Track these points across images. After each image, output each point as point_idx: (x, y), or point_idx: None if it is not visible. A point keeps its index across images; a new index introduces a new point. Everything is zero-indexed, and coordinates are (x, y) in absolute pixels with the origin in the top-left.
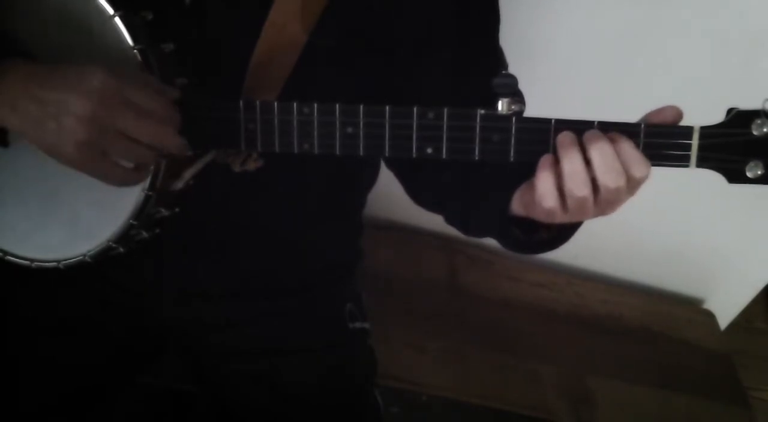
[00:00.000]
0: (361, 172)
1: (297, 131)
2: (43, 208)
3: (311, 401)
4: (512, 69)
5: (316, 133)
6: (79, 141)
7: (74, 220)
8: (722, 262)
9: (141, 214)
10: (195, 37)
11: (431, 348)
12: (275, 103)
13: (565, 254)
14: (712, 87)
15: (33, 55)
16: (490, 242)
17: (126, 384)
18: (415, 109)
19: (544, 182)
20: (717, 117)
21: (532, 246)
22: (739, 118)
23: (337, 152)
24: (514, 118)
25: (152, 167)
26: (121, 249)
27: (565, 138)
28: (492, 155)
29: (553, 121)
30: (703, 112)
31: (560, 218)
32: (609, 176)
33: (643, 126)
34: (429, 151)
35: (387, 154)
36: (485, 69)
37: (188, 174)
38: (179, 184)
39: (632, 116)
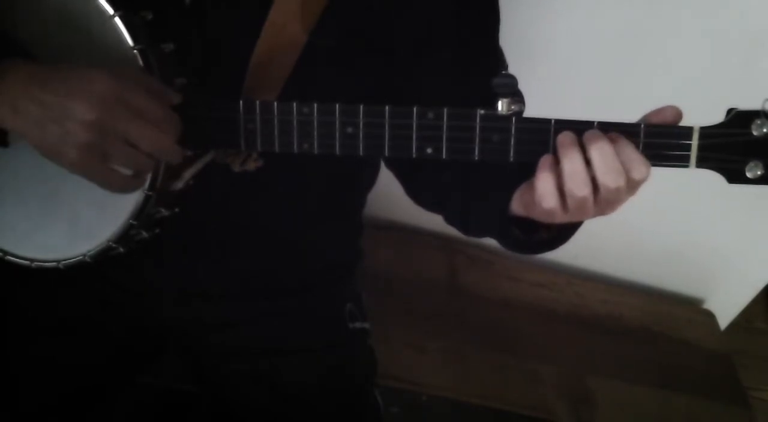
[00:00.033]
0: (361, 172)
1: (297, 131)
2: (43, 208)
3: (311, 401)
4: (512, 69)
5: (315, 133)
6: (81, 144)
7: (74, 220)
8: (722, 262)
9: (141, 214)
10: (195, 37)
11: (431, 348)
12: (275, 103)
13: (565, 254)
14: (712, 87)
15: (33, 55)
16: (490, 242)
17: (126, 384)
18: (415, 109)
19: (544, 182)
20: (717, 117)
21: (531, 247)
22: (739, 118)
23: (337, 152)
24: (513, 118)
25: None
26: (121, 249)
27: (565, 138)
28: (492, 155)
29: (552, 121)
30: (703, 112)
31: (560, 218)
32: (609, 176)
33: (642, 126)
34: (429, 151)
35: (387, 154)
36: (485, 69)
37: (188, 174)
38: (179, 184)
39: (632, 116)
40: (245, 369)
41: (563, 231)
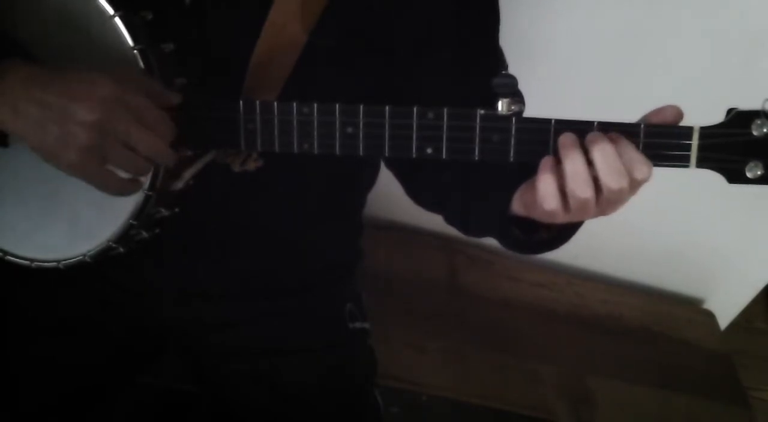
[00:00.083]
0: (361, 172)
1: (297, 131)
2: (43, 208)
3: (311, 401)
4: (512, 69)
5: (316, 133)
6: (81, 146)
7: (74, 220)
8: (722, 262)
9: (141, 214)
10: (195, 37)
11: (431, 348)
12: (275, 103)
13: (565, 254)
14: (712, 87)
15: (33, 56)
16: (490, 242)
17: (126, 384)
18: (415, 109)
19: (545, 184)
20: (717, 117)
21: (532, 247)
22: (739, 118)
23: (337, 152)
24: (514, 119)
25: (151, 170)
26: (121, 249)
27: (566, 139)
28: (492, 155)
29: (553, 121)
30: (703, 112)
31: (561, 219)
32: (612, 178)
33: (643, 126)
34: (429, 151)
35: (387, 154)
36: (485, 69)
37: (188, 174)
38: (179, 184)
39: (632, 116)
40: (245, 369)
41: (564, 232)
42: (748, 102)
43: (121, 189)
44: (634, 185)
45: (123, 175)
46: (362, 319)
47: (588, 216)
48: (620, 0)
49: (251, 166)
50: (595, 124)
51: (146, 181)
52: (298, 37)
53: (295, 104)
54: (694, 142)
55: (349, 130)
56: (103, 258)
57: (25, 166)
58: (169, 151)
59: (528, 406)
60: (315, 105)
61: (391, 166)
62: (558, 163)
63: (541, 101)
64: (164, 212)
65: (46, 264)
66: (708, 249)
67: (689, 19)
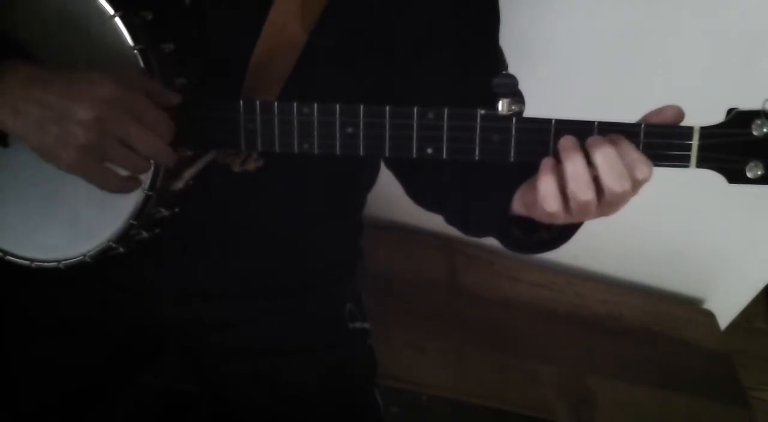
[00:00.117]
0: (361, 172)
1: (297, 131)
2: (43, 208)
3: (311, 401)
4: (512, 69)
5: (316, 133)
6: (80, 145)
7: (74, 220)
8: (722, 262)
9: (141, 214)
10: (195, 37)
11: (431, 348)
12: (275, 103)
13: (565, 254)
14: (712, 87)
15: (33, 56)
16: (490, 242)
17: (126, 384)
18: (415, 109)
19: (546, 185)
20: (717, 117)
21: (532, 246)
22: (739, 119)
23: (337, 152)
24: (514, 119)
25: (151, 169)
26: (121, 249)
27: (566, 142)
28: (492, 155)
29: (553, 121)
30: (703, 112)
31: (562, 220)
32: (614, 180)
33: (643, 126)
34: (429, 151)
35: (387, 154)
36: (485, 69)
37: (188, 174)
38: (179, 184)
39: (632, 116)
40: (245, 369)
41: (564, 232)
42: (748, 102)
43: (121, 186)
44: (636, 186)
45: (123, 172)
46: (362, 319)
47: (589, 217)
48: (620, 0)
49: (251, 166)
50: (595, 124)
51: (146, 181)
52: (298, 37)
53: (295, 104)
54: (695, 142)
55: (350, 130)
56: (103, 258)
57: (25, 166)
58: (168, 150)
59: (528, 406)
60: (315, 105)
61: (391, 166)
62: (558, 164)
63: (541, 101)
64: (164, 212)
65: (46, 264)
66: (708, 249)
67: (689, 19)
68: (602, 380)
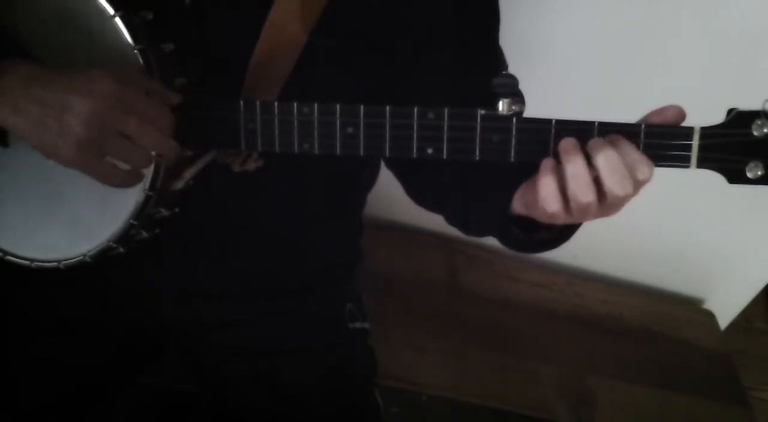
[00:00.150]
0: (361, 172)
1: (297, 131)
2: (43, 208)
3: (311, 401)
4: (512, 69)
5: (316, 133)
6: (79, 139)
7: (74, 220)
8: (722, 262)
9: (141, 214)
10: (195, 37)
11: (431, 348)
12: (275, 103)
13: (565, 254)
14: (712, 87)
15: (33, 55)
16: (490, 242)
17: (126, 384)
18: (415, 109)
19: (546, 186)
20: (717, 117)
21: (532, 246)
22: (739, 119)
23: (338, 152)
24: (514, 119)
25: (152, 168)
26: (121, 249)
27: (567, 143)
28: (492, 155)
29: (553, 121)
30: (703, 112)
31: (562, 220)
32: (616, 183)
33: (643, 126)
34: (429, 151)
35: (387, 154)
36: (485, 69)
37: (188, 174)
38: (179, 184)
39: (632, 116)
40: (245, 369)
41: (564, 231)
42: (748, 102)
43: (122, 181)
44: (636, 186)
45: (124, 166)
46: (362, 319)
47: (589, 217)
48: (620, 0)
49: (251, 166)
50: (596, 124)
51: (146, 181)
52: (298, 37)
53: (295, 104)
54: (695, 143)
55: (350, 130)
56: (103, 258)
57: (25, 166)
58: (171, 142)
59: (528, 406)
60: (315, 105)
61: (391, 166)
62: (559, 165)
63: (541, 101)
64: (164, 212)
65: (46, 264)
66: (708, 249)
67: (689, 19)
68: (602, 380)
